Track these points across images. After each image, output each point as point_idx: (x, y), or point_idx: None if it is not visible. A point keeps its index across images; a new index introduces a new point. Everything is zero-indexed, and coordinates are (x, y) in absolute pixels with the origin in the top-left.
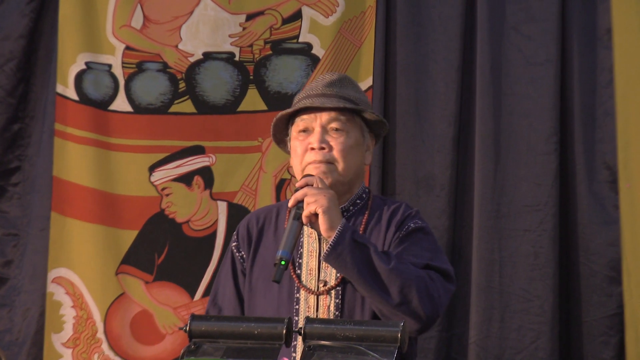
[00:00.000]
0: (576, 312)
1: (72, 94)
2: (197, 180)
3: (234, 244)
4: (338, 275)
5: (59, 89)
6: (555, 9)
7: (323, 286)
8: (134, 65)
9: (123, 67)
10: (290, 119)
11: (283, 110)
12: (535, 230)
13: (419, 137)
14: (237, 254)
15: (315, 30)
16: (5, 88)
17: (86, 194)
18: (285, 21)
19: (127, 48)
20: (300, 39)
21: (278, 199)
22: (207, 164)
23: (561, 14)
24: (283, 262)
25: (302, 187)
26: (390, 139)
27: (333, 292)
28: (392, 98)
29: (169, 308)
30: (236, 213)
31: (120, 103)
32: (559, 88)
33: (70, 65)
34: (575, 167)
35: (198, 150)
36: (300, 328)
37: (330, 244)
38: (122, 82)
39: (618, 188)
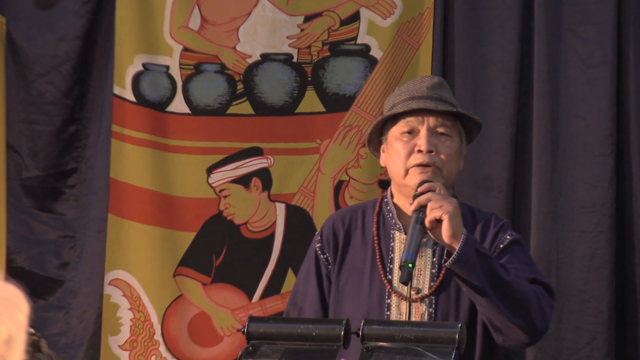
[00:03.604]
0: (632, 313)
1: (129, 95)
2: (255, 181)
3: (317, 245)
4: (432, 284)
5: (116, 90)
6: (610, 10)
7: (416, 294)
8: (191, 67)
9: (180, 68)
10: (388, 119)
11: (341, 111)
12: (591, 231)
13: (477, 139)
14: (321, 256)
15: (373, 31)
16: (61, 89)
17: (143, 196)
18: (344, 23)
19: (185, 49)
20: (359, 41)
21: (336, 200)
22: (265, 165)
23: (617, 16)
24: (410, 265)
25: (424, 192)
26: None
27: (427, 300)
28: None
29: (227, 310)
30: (294, 214)
31: (178, 104)
32: (615, 90)
33: (127, 67)
34: (631, 168)
35: (256, 152)
36: (358, 329)
37: (457, 253)
38: (179, 84)
39: None
